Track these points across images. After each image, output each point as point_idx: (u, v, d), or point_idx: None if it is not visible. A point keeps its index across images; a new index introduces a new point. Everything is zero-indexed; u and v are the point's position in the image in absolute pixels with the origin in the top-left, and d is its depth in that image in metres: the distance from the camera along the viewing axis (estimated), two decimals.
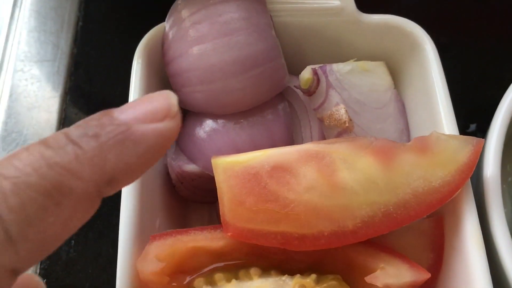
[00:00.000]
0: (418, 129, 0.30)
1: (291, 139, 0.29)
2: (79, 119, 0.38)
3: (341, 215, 0.24)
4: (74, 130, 0.17)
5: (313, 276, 0.24)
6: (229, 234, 0.24)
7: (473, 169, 0.25)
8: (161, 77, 0.31)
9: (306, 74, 0.28)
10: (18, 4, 0.42)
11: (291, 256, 0.25)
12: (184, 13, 0.29)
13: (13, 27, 0.41)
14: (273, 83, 0.29)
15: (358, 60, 0.31)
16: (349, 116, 0.27)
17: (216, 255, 0.25)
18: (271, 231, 0.24)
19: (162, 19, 0.30)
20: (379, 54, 0.32)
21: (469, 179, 0.26)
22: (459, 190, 0.25)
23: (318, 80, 0.28)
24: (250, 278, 0.25)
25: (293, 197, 0.24)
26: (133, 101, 0.19)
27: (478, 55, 0.41)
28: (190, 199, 0.31)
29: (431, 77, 0.29)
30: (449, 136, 0.26)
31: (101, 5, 0.41)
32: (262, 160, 0.25)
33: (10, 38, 0.40)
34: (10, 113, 0.37)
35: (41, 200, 0.16)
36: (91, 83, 0.38)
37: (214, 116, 0.29)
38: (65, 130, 0.17)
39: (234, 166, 0.25)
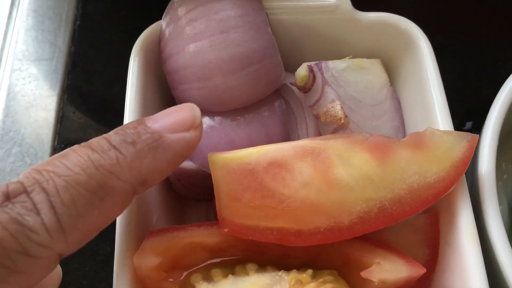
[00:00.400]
0: (414, 126, 0.31)
1: (287, 136, 0.29)
2: (77, 117, 0.38)
3: (337, 211, 0.24)
4: (114, 136, 0.20)
5: (309, 271, 0.24)
6: (226, 230, 0.24)
7: (468, 165, 0.26)
8: (158, 75, 0.31)
9: (302, 71, 0.29)
10: (16, 3, 0.42)
11: (288, 252, 0.25)
12: (181, 10, 0.29)
13: (11, 26, 0.41)
14: (269, 80, 0.29)
15: (353, 57, 0.31)
16: (344, 113, 0.27)
17: (213, 251, 0.26)
18: (268, 227, 0.24)
19: (159, 17, 0.31)
20: (374, 51, 0.33)
21: (464, 175, 0.26)
22: (454, 186, 0.25)
23: (314, 77, 0.28)
24: (247, 274, 0.25)
25: (289, 193, 0.24)
26: (164, 111, 0.22)
27: (475, 54, 0.41)
28: (187, 196, 0.31)
29: (426, 74, 0.29)
30: (444, 132, 0.26)
31: (99, 4, 0.41)
32: (258, 157, 0.25)
33: (7, 37, 0.41)
34: (8, 112, 0.37)
35: (89, 196, 0.19)
36: (89, 81, 0.39)
37: (211, 113, 0.29)
38: (106, 136, 0.20)
39: (231, 163, 0.25)
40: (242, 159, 0.25)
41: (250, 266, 0.25)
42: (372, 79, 0.31)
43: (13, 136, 0.36)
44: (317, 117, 0.28)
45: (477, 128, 0.39)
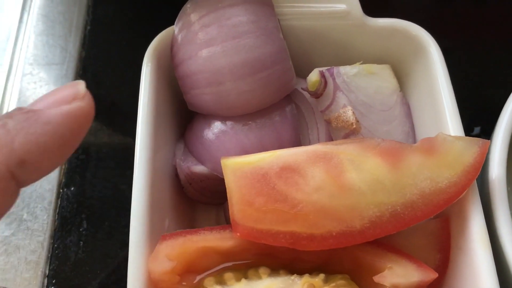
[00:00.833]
0: (424, 131, 0.31)
1: (298, 141, 0.30)
2: None
3: (349, 215, 0.25)
4: None
5: (322, 275, 0.25)
6: (238, 234, 0.25)
7: (479, 170, 0.26)
8: (170, 79, 0.31)
9: (314, 76, 0.29)
10: (27, 8, 0.42)
11: (300, 256, 0.26)
12: (193, 16, 0.29)
13: (22, 31, 0.41)
14: (280, 85, 0.29)
15: (364, 63, 0.31)
16: (356, 118, 0.28)
17: (226, 255, 0.26)
18: (280, 231, 0.24)
19: (168, 22, 0.31)
20: (384, 57, 0.33)
21: (475, 180, 0.26)
22: (465, 191, 0.26)
23: (326, 82, 0.29)
24: (259, 278, 0.25)
25: (301, 198, 0.25)
26: (44, 94, 0.19)
27: (481, 58, 0.41)
28: (198, 200, 0.31)
29: (437, 79, 0.30)
30: (455, 137, 0.26)
31: (109, 9, 0.42)
32: (271, 161, 0.25)
33: (18, 41, 0.41)
34: None
35: None
36: (99, 86, 0.39)
37: (222, 118, 0.29)
38: None
39: (243, 167, 0.25)
40: (255, 163, 0.25)
41: (263, 270, 0.25)
42: (382, 84, 0.31)
43: None
44: (328, 122, 0.29)
45: (485, 133, 0.39)
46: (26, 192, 0.34)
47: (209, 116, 0.30)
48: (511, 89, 0.30)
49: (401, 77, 0.33)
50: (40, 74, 0.39)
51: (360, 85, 0.30)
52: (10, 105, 0.38)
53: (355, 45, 0.32)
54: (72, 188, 0.35)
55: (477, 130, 0.39)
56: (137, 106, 0.28)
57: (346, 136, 0.28)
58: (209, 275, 0.25)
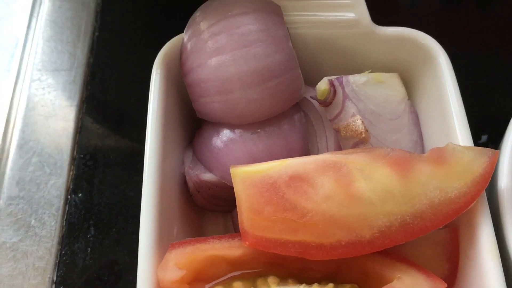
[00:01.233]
0: (432, 140, 0.31)
1: (307, 149, 0.30)
2: (95, 127, 0.39)
3: (358, 225, 0.25)
4: None
5: (331, 285, 0.25)
6: (248, 243, 0.25)
7: (489, 180, 0.26)
8: (179, 87, 0.31)
9: (323, 85, 0.29)
10: (35, 14, 0.43)
11: (309, 265, 0.26)
12: (203, 25, 0.29)
13: (30, 36, 0.42)
14: (289, 93, 0.29)
15: (372, 71, 0.31)
16: (365, 127, 0.28)
17: (234, 264, 0.26)
18: (289, 240, 0.24)
19: (175, 29, 0.31)
20: (393, 65, 0.33)
21: (484, 190, 0.26)
22: (475, 201, 0.26)
23: (335, 91, 0.29)
24: (268, 287, 0.25)
25: (310, 207, 0.25)
26: None
27: (489, 65, 0.41)
28: (206, 208, 0.31)
29: (445, 89, 0.30)
30: (465, 147, 0.26)
31: (117, 16, 0.42)
32: (280, 170, 0.26)
33: (27, 47, 0.41)
34: (27, 121, 0.38)
35: None
36: (107, 92, 0.39)
37: (231, 126, 0.30)
38: None
39: (253, 176, 0.25)
40: (264, 172, 0.26)
41: (272, 279, 0.25)
42: (390, 93, 0.31)
43: (32, 146, 0.37)
44: (337, 131, 0.29)
45: (493, 141, 0.39)
46: (34, 198, 0.35)
47: (217, 124, 0.30)
48: None
49: (409, 86, 0.33)
50: (49, 80, 0.39)
51: (369, 94, 0.30)
52: (18, 111, 0.38)
53: (364, 53, 0.32)
54: (80, 195, 0.35)
55: (484, 138, 0.39)
56: (145, 112, 0.28)
57: (355, 145, 0.28)
58: (217, 283, 0.25)
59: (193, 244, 0.26)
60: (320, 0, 0.32)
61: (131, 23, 0.42)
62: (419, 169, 0.26)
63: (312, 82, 0.31)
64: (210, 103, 0.29)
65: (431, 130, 0.31)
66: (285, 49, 0.29)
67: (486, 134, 0.39)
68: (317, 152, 0.30)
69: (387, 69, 0.33)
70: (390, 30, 0.32)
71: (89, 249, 0.33)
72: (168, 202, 0.28)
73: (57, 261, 0.33)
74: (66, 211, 0.34)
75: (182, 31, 0.31)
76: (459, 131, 0.28)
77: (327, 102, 0.29)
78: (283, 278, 0.25)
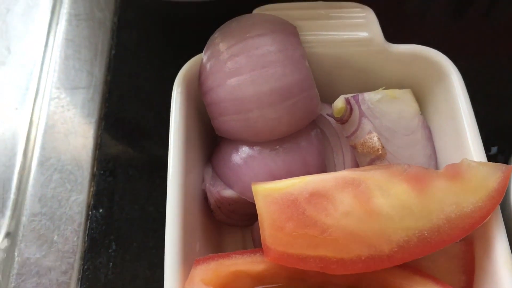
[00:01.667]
0: (446, 155, 0.32)
1: (324, 165, 0.30)
2: (114, 144, 0.40)
3: (378, 240, 0.25)
4: None
5: None
6: (270, 258, 0.25)
7: (503, 195, 0.27)
8: (198, 105, 0.32)
9: (340, 103, 0.30)
10: (52, 33, 0.44)
11: (330, 280, 0.26)
12: (222, 46, 0.30)
13: (48, 55, 0.43)
14: (306, 111, 0.30)
15: (386, 88, 0.32)
16: (381, 144, 0.28)
17: (257, 279, 0.26)
18: (310, 256, 0.25)
19: (190, 47, 0.32)
20: (405, 81, 0.34)
21: (499, 204, 0.27)
22: (490, 215, 0.26)
23: (351, 109, 0.29)
24: None
25: (330, 223, 0.25)
26: None
27: (497, 76, 0.42)
28: (225, 223, 0.32)
29: (458, 104, 0.30)
30: (479, 163, 0.27)
31: (133, 34, 0.43)
32: (300, 187, 0.26)
33: (45, 66, 0.42)
34: (48, 139, 0.39)
35: None
36: (125, 109, 0.40)
37: (250, 143, 0.30)
38: None
39: (274, 193, 0.26)
40: (285, 189, 0.26)
41: None
42: (404, 108, 0.32)
43: (53, 163, 0.38)
44: (354, 147, 0.29)
45: (502, 153, 0.39)
46: (57, 214, 0.35)
47: (236, 141, 0.31)
48: None
49: (421, 101, 0.34)
50: (67, 98, 0.40)
51: (384, 111, 0.31)
52: (38, 129, 0.39)
53: (378, 70, 0.33)
54: (101, 210, 0.36)
55: (494, 150, 0.39)
56: (161, 128, 0.29)
57: (372, 162, 0.29)
58: None
59: (216, 259, 0.26)
60: (334, 20, 0.33)
61: (146, 41, 0.43)
62: (435, 185, 0.26)
63: (328, 99, 0.32)
64: (229, 121, 0.30)
65: (444, 145, 0.32)
66: (302, 69, 0.30)
67: (496, 145, 0.39)
68: (334, 168, 0.31)
69: (400, 85, 0.34)
70: (403, 48, 0.33)
71: (110, 263, 0.34)
72: (191, 218, 0.28)
73: (80, 276, 0.33)
74: (87, 227, 0.35)
75: (196, 50, 0.32)
76: (473, 146, 0.29)
77: (343, 120, 0.30)
78: None
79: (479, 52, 0.43)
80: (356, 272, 0.25)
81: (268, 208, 0.26)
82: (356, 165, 0.30)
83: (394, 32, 0.34)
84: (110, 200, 0.36)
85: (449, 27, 0.45)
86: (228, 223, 0.32)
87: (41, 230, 0.35)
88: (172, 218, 0.27)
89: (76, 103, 0.40)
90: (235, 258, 0.27)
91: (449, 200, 0.26)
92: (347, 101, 0.30)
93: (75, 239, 0.34)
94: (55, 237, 0.35)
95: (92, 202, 0.36)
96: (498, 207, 0.27)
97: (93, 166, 0.37)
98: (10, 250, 0.34)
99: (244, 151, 0.30)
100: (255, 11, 0.33)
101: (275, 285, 0.27)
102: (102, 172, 0.37)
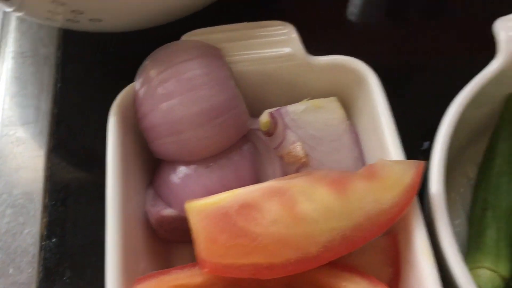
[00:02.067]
0: (372, 156, 0.34)
1: (256, 177, 0.32)
2: (64, 174, 0.41)
3: (305, 243, 0.27)
4: None
5: None
6: (206, 270, 0.27)
7: (417, 189, 0.29)
8: (136, 130, 0.34)
9: (264, 117, 0.32)
10: None
11: (264, 284, 0.28)
12: (152, 73, 0.32)
13: None
14: (237, 128, 0.32)
15: (312, 98, 0.34)
16: (305, 152, 0.30)
17: None
18: (243, 264, 0.27)
19: (131, 75, 0.34)
20: (331, 90, 0.36)
21: (417, 197, 0.29)
22: (406, 209, 0.28)
23: (276, 122, 0.31)
24: None
25: (260, 231, 0.27)
26: None
27: (421, 77, 0.45)
28: (170, 240, 0.34)
29: (376, 107, 0.33)
30: (394, 161, 0.29)
31: (77, 67, 0.45)
32: (230, 200, 0.28)
33: None
34: (0, 175, 0.40)
35: None
36: (73, 139, 0.41)
37: (186, 163, 0.32)
38: None
39: (206, 208, 0.28)
40: (216, 204, 0.28)
41: None
42: (329, 116, 0.34)
43: (6, 198, 0.39)
44: (281, 158, 0.31)
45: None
46: (11, 248, 0.37)
47: (174, 162, 0.32)
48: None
49: (348, 107, 0.36)
50: (17, 134, 0.41)
51: (308, 120, 0.33)
52: None
53: (302, 83, 0.35)
54: (54, 240, 0.37)
55: (426, 144, 0.42)
56: None
57: (298, 170, 0.31)
58: None
59: (157, 277, 0.28)
60: (258, 39, 0.35)
61: (91, 73, 0.44)
62: (355, 186, 0.28)
63: (258, 114, 0.34)
64: (165, 144, 0.32)
65: (370, 146, 0.34)
66: (228, 88, 0.32)
67: (428, 141, 0.42)
68: (266, 179, 0.33)
69: (326, 94, 0.36)
70: (323, 59, 0.35)
71: None
72: (133, 240, 0.30)
73: None
74: (42, 257, 0.36)
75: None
76: (391, 145, 0.31)
77: (270, 133, 0.31)
78: None
79: (398, 53, 0.46)
80: (286, 275, 0.27)
81: (201, 223, 0.28)
82: (285, 174, 0.32)
83: (316, 44, 0.36)
84: (62, 229, 0.37)
85: (366, 33, 0.47)
86: (174, 240, 0.34)
87: None
88: (112, 243, 0.28)
89: (25, 138, 0.41)
90: (175, 273, 0.28)
91: (368, 199, 0.28)
92: (271, 115, 0.31)
93: (30, 270, 0.36)
94: (11, 270, 0.36)
95: (45, 233, 0.37)
96: (415, 200, 0.29)
97: (44, 198, 0.39)
98: None
99: (181, 170, 0.32)
100: (183, 37, 0.35)
101: None
102: (53, 202, 0.38)
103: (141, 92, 0.33)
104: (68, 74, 0.44)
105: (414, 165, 0.29)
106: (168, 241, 0.34)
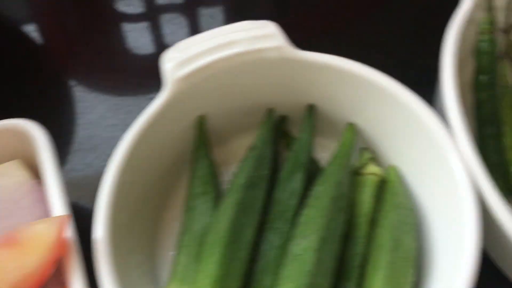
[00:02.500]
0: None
1: None
2: None
3: None
4: None
5: None
6: None
7: (61, 243, 0.29)
8: None
9: None
10: None
11: None
12: None
13: None
14: None
15: None
16: None
17: None
18: None
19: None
20: (14, 154, 0.36)
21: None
22: (58, 261, 0.29)
23: None
24: None
25: None
26: None
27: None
28: None
29: (44, 164, 0.33)
30: (34, 223, 0.29)
31: None
32: None
33: None
34: None
35: None
36: None
37: None
38: None
39: None
40: None
41: None
42: (9, 181, 0.34)
43: None
44: None
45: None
46: None
47: None
48: None
49: (35, 165, 0.36)
50: None
51: None
52: None
53: None
54: None
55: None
56: None
57: None
58: None
59: None
60: None
61: None
62: None
63: None
64: None
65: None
66: None
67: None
68: None
69: (9, 158, 0.36)
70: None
71: None
72: None
73: None
74: None
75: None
76: (55, 201, 0.32)
77: None
78: None
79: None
80: None
81: None
82: None
83: None
84: None
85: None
86: None
87: None
88: None
89: None
90: None
91: (10, 267, 0.28)
92: None
93: None
94: None
95: None
96: (75, 253, 0.29)
97: None
98: None
99: None
100: None
101: None
102: None
103: None
104: None
105: (56, 221, 0.29)
106: None
